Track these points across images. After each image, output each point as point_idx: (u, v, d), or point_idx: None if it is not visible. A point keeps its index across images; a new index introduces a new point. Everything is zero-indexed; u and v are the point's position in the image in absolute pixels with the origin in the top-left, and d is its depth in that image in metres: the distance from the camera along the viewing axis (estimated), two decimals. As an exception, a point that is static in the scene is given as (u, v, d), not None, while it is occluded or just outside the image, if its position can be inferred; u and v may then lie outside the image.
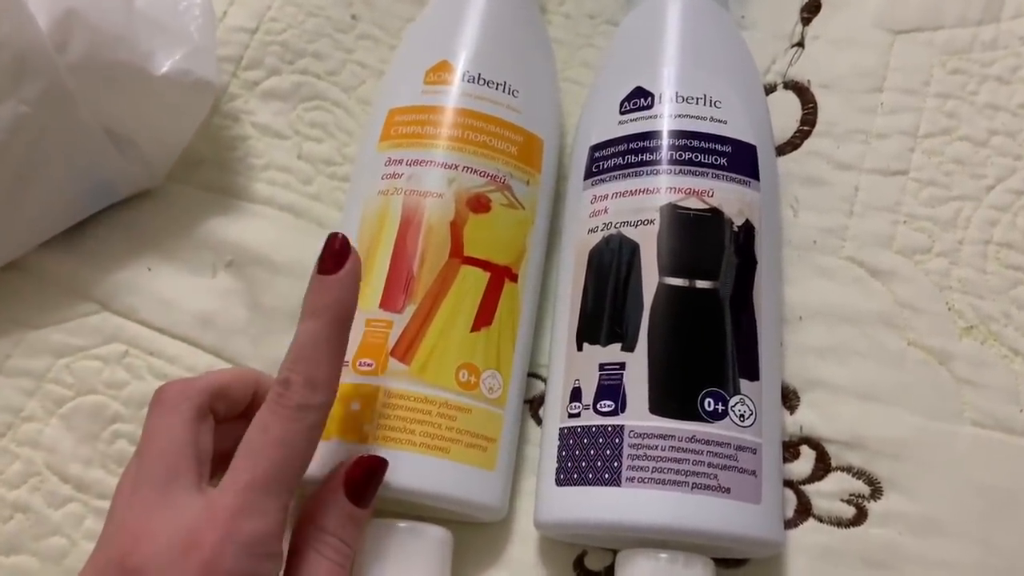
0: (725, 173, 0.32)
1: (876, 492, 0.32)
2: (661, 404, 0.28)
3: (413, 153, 0.33)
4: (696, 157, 0.32)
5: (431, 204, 0.32)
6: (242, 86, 0.40)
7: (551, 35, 0.40)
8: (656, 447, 0.28)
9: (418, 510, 0.30)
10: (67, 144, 0.33)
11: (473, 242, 0.32)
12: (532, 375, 0.34)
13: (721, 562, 0.31)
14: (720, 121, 0.33)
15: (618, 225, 0.32)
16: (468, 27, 0.35)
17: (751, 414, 0.29)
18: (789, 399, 0.34)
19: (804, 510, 0.32)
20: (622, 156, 0.33)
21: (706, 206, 0.31)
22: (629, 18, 0.37)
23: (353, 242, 0.32)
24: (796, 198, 0.37)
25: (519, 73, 0.35)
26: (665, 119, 0.33)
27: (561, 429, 0.30)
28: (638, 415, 0.29)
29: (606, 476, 0.28)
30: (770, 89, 0.39)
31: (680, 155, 0.32)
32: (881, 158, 0.37)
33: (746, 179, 0.32)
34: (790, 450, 0.33)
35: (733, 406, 0.29)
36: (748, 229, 0.31)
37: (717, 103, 0.33)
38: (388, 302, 0.31)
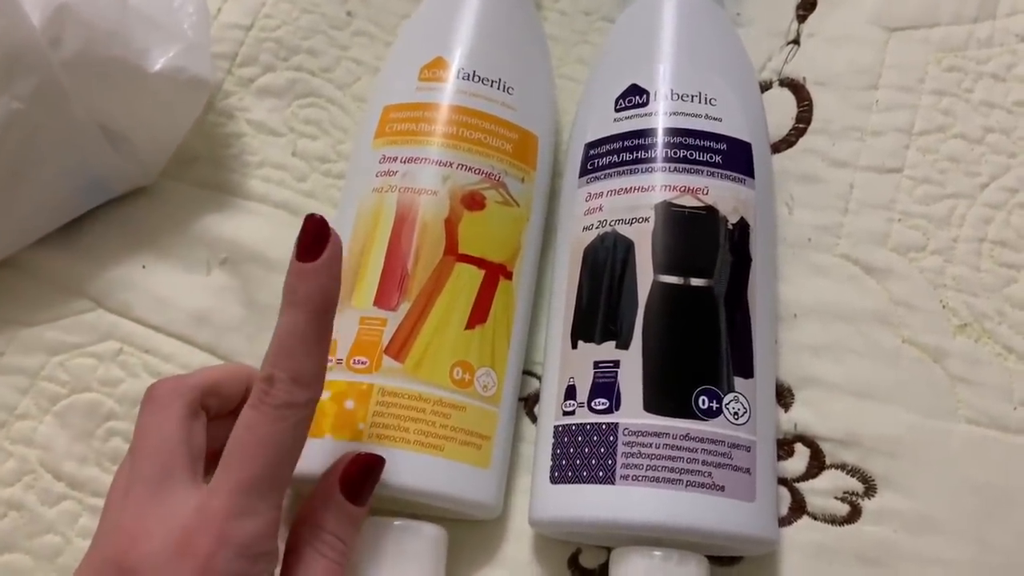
0: (720, 171, 0.32)
1: (870, 490, 0.32)
2: (655, 402, 0.28)
3: (408, 150, 0.33)
4: (691, 155, 0.32)
5: (426, 201, 0.32)
6: (237, 83, 0.40)
7: (546, 32, 0.40)
8: (650, 445, 0.28)
9: (413, 508, 0.30)
10: (61, 141, 0.33)
11: (468, 239, 0.32)
12: (527, 373, 0.34)
13: (715, 560, 0.31)
14: (715, 119, 0.33)
15: (613, 223, 0.32)
16: (463, 24, 0.35)
17: (745, 412, 0.29)
18: (783, 397, 0.34)
19: (798, 508, 0.32)
20: (617, 154, 0.33)
21: (701, 204, 0.31)
22: (624, 15, 0.37)
23: (347, 239, 0.33)
24: (791, 196, 0.37)
25: (514, 70, 0.35)
26: (660, 116, 0.33)
27: (556, 427, 0.30)
28: (632, 413, 0.29)
29: (600, 474, 0.28)
30: (765, 86, 0.39)
31: (675, 153, 0.32)
32: (876, 155, 0.37)
33: (741, 177, 0.32)
34: (784, 448, 0.33)
35: (727, 404, 0.29)
36: (743, 227, 0.31)
37: (712, 101, 0.33)
38: (382, 300, 0.31)
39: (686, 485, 0.27)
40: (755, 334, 0.30)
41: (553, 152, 0.37)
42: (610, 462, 0.28)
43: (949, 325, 0.34)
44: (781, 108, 0.38)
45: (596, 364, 0.30)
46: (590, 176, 0.33)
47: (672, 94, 0.33)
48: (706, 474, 0.28)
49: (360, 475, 0.27)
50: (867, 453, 0.32)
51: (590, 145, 0.34)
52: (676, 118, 0.32)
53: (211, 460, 0.27)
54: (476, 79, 0.34)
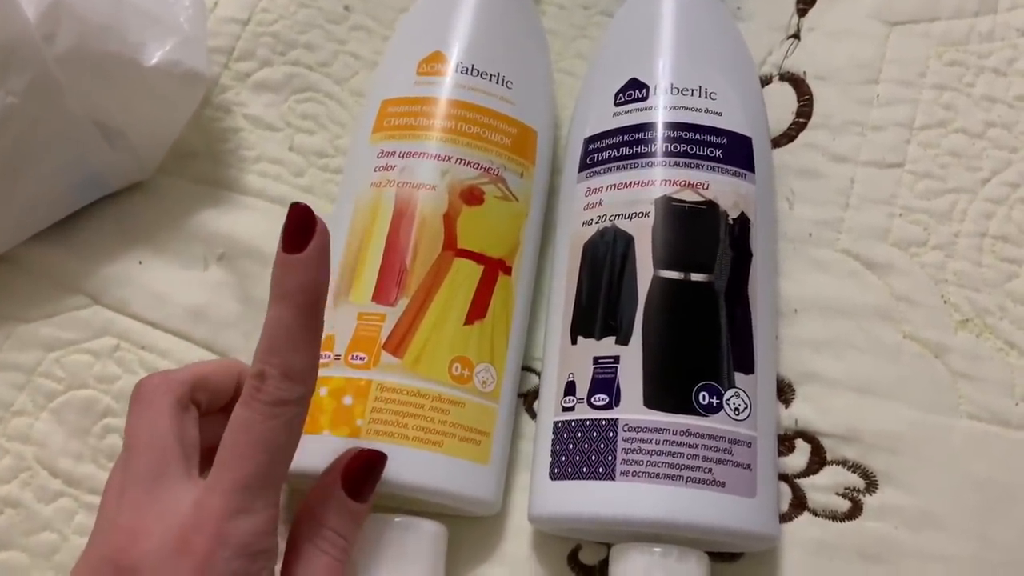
0: (720, 165, 0.32)
1: (871, 486, 0.32)
2: (655, 398, 0.28)
3: (406, 145, 0.33)
4: (691, 149, 0.32)
5: (424, 196, 0.32)
6: (233, 77, 0.39)
7: (545, 26, 0.39)
8: (650, 441, 0.28)
9: (411, 504, 0.30)
10: (56, 136, 0.33)
11: (466, 235, 0.32)
12: (526, 368, 0.34)
13: (716, 556, 0.30)
14: (715, 113, 0.32)
15: (612, 218, 0.31)
16: (461, 18, 0.35)
17: (746, 407, 0.29)
18: (784, 392, 0.33)
19: (799, 504, 0.32)
20: (616, 148, 0.33)
21: (701, 199, 0.31)
22: (624, 9, 0.37)
23: (345, 235, 0.32)
24: (792, 190, 0.37)
25: (513, 64, 0.35)
26: (660, 111, 0.32)
27: (555, 423, 0.30)
28: (632, 409, 0.28)
29: (600, 470, 0.28)
30: (766, 81, 0.39)
31: (675, 147, 0.32)
32: (877, 150, 0.37)
33: (741, 171, 0.32)
34: (785, 444, 0.33)
35: (728, 400, 0.29)
36: (743, 222, 0.31)
37: (712, 95, 0.33)
38: (381, 295, 0.31)
39: (686, 481, 0.27)
40: (756, 329, 0.30)
41: (552, 147, 0.36)
42: (610, 458, 0.28)
43: (950, 320, 0.34)
44: (781, 102, 0.38)
45: (596, 360, 0.30)
46: (589, 171, 0.33)
47: (672, 88, 0.33)
48: (707, 470, 0.27)
49: (362, 471, 0.27)
50: (868, 449, 0.32)
51: (589, 140, 0.34)
52: (676, 112, 0.32)
53: (207, 457, 0.27)
54: (475, 73, 0.34)
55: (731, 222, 0.31)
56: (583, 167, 0.33)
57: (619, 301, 0.30)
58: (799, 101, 0.38)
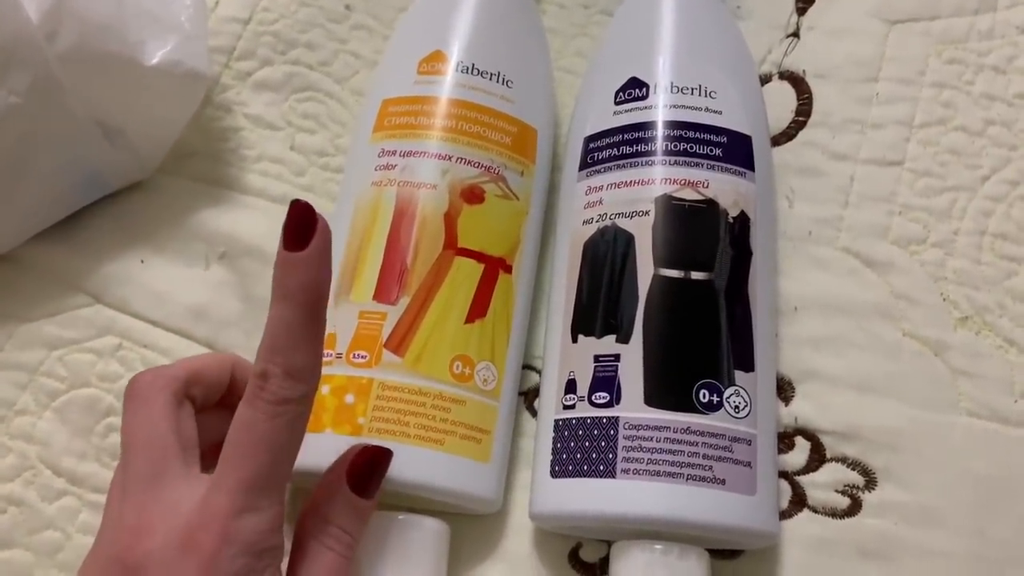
0: (720, 164, 0.32)
1: (871, 483, 0.32)
2: (656, 396, 0.28)
3: (406, 144, 0.33)
4: (691, 148, 0.32)
5: (425, 195, 0.32)
6: (234, 77, 0.40)
7: (545, 24, 0.39)
8: (651, 439, 0.28)
9: (413, 502, 0.30)
10: (57, 135, 0.33)
11: (467, 233, 0.32)
12: (527, 367, 0.34)
13: (716, 553, 0.31)
14: (715, 112, 0.32)
15: (613, 216, 0.31)
16: (462, 17, 0.35)
17: (746, 405, 0.29)
18: (784, 390, 0.33)
19: (799, 501, 0.32)
20: (617, 147, 0.33)
21: (701, 197, 0.31)
22: (624, 7, 0.37)
23: (346, 234, 0.32)
24: (791, 189, 0.37)
25: (513, 63, 0.35)
26: (660, 110, 0.33)
27: (556, 421, 0.30)
28: (633, 407, 0.28)
29: (601, 468, 0.28)
30: (765, 79, 0.39)
31: (675, 146, 0.32)
32: (877, 148, 0.37)
33: (741, 170, 0.32)
34: (785, 441, 0.33)
35: (728, 397, 0.29)
36: (743, 220, 0.31)
37: (712, 93, 0.33)
38: (382, 294, 0.31)
39: (687, 479, 0.27)
40: (756, 328, 0.30)
41: (552, 145, 0.36)
42: (611, 456, 0.28)
43: (950, 318, 0.34)
44: (781, 101, 0.38)
45: (596, 358, 0.30)
46: (590, 169, 0.33)
47: (672, 87, 0.33)
48: (707, 468, 0.28)
49: (367, 467, 0.27)
50: (868, 446, 0.32)
51: (590, 138, 0.34)
52: (676, 111, 0.32)
53: (209, 453, 0.27)
54: (475, 72, 0.34)
55: (731, 220, 0.31)
56: (583, 166, 0.34)
57: (619, 299, 0.30)
58: (799, 99, 0.38)
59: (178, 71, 0.34)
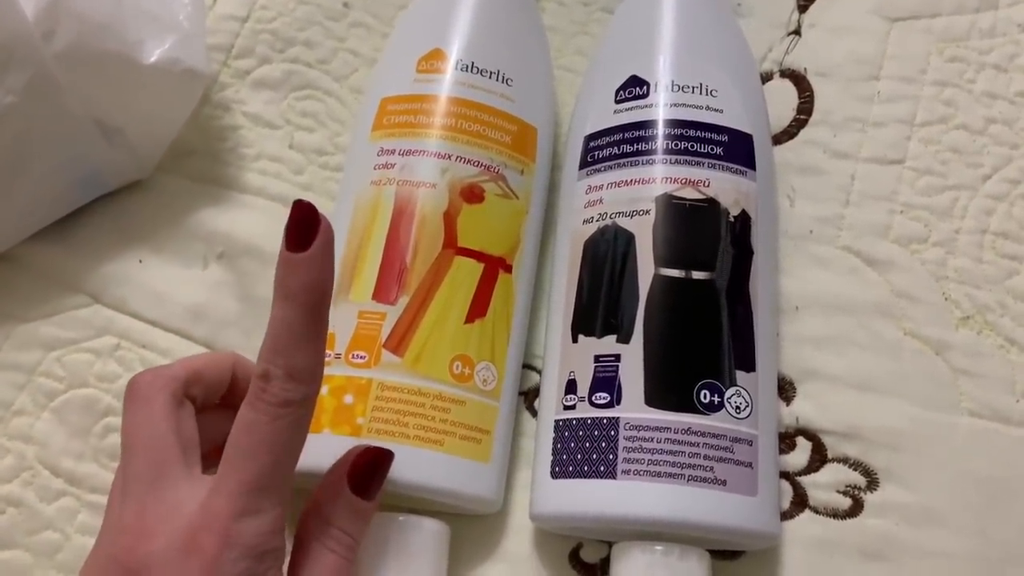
0: (721, 163, 0.32)
1: (872, 483, 0.32)
2: (657, 396, 0.28)
3: (406, 143, 0.33)
4: (692, 147, 0.32)
5: (424, 194, 0.32)
6: (233, 75, 0.39)
7: (545, 22, 0.39)
8: (652, 439, 0.28)
9: (413, 503, 0.30)
10: (55, 134, 0.33)
11: (467, 233, 0.32)
12: (527, 367, 0.34)
13: (717, 554, 0.30)
14: (716, 110, 0.32)
15: (613, 215, 0.31)
16: (461, 15, 0.35)
17: (747, 406, 0.29)
18: (785, 390, 0.33)
19: (800, 502, 0.32)
20: (617, 146, 0.32)
21: (702, 196, 0.31)
22: (624, 5, 0.37)
23: (345, 233, 0.32)
24: (792, 187, 0.37)
25: (513, 61, 0.35)
26: (661, 108, 0.32)
27: (556, 421, 0.30)
28: (634, 407, 0.28)
29: (602, 468, 0.28)
30: (766, 78, 0.39)
31: (676, 144, 0.32)
32: (878, 147, 0.37)
33: (742, 169, 0.32)
34: (786, 441, 0.33)
35: (729, 398, 0.29)
36: (744, 219, 0.31)
37: (713, 92, 0.33)
38: (381, 294, 0.31)
39: (688, 480, 0.27)
40: (757, 327, 0.30)
41: (552, 144, 0.36)
42: (611, 456, 0.28)
43: (951, 317, 0.34)
44: (782, 99, 0.38)
45: (597, 358, 0.30)
46: (590, 168, 0.33)
47: (673, 85, 0.33)
48: (708, 468, 0.27)
49: (368, 469, 0.27)
50: (869, 446, 0.32)
51: (590, 137, 0.34)
52: (677, 109, 0.32)
53: (211, 454, 0.27)
54: (474, 70, 0.34)
55: (732, 219, 0.31)
56: (584, 164, 0.33)
57: (620, 299, 0.30)
58: (800, 98, 0.38)
59: (176, 69, 0.34)
